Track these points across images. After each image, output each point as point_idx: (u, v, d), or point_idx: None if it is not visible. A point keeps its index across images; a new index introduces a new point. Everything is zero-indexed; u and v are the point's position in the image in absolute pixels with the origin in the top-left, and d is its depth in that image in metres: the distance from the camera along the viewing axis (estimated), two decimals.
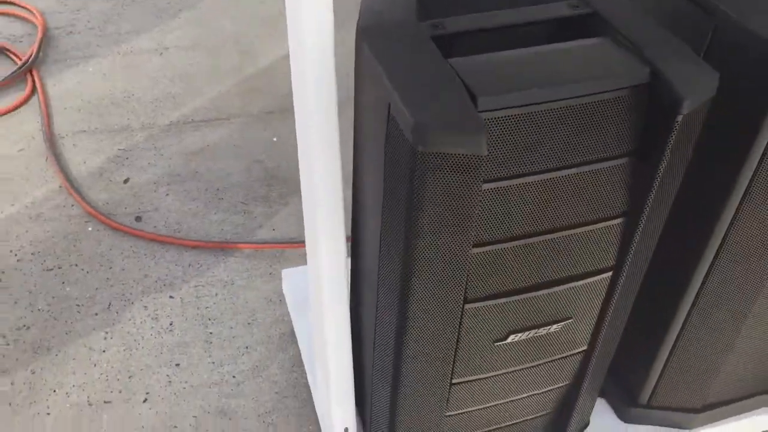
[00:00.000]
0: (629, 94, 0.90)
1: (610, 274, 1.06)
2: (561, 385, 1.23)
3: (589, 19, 0.99)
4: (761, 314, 1.23)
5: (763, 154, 1.01)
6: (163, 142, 2.20)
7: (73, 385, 1.60)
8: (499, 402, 1.21)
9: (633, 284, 1.09)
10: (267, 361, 1.65)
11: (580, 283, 1.05)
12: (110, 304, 1.76)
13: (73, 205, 2.00)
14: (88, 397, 1.58)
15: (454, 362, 1.08)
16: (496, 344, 1.08)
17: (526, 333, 1.08)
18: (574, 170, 0.93)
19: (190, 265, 1.85)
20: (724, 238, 1.10)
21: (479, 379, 1.14)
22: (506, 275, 1.00)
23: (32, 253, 1.87)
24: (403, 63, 0.90)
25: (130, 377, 1.62)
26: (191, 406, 1.57)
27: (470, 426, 1.23)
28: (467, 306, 1.01)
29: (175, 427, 1.53)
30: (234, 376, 1.62)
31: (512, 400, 1.21)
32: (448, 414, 1.18)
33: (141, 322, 1.72)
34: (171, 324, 1.72)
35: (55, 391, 1.59)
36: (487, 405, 1.20)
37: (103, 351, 1.66)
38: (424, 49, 0.92)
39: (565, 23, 1.00)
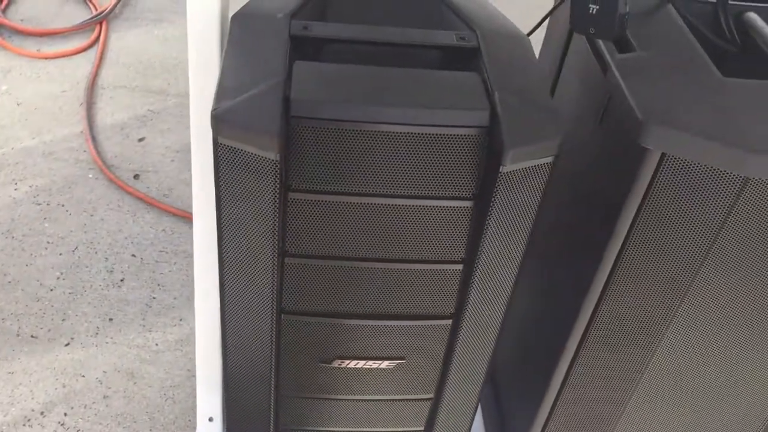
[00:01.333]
0: (463, 134, 0.84)
1: (449, 321, 1.00)
2: (412, 430, 1.17)
3: (470, 54, 0.94)
4: (640, 408, 1.12)
5: (625, 241, 0.92)
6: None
7: (11, 313, 1.67)
8: (343, 430, 1.16)
9: (478, 338, 1.03)
10: (194, 338, 1.66)
11: (412, 324, 1.00)
12: (77, 248, 1.83)
13: (84, 151, 2.09)
14: (19, 327, 1.65)
15: (278, 373, 1.05)
16: (321, 365, 1.04)
17: (354, 362, 1.03)
18: (400, 201, 0.89)
19: (163, 230, 1.89)
20: (588, 327, 1.02)
21: (312, 398, 1.10)
22: (327, 294, 0.96)
23: (30, 186, 1.97)
24: (245, 54, 0.89)
25: (63, 320, 1.67)
26: (105, 360, 1.60)
27: None
28: (284, 317, 0.98)
29: (83, 376, 1.57)
30: (157, 344, 1.65)
31: (359, 431, 1.17)
32: (282, 427, 1.15)
33: (96, 272, 1.78)
34: (122, 280, 1.77)
35: None
36: (329, 429, 1.16)
37: (51, 289, 1.73)
38: (275, 46, 0.90)
39: (451, 53, 0.96)
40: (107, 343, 1.64)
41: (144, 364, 1.61)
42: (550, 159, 0.85)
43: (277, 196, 0.84)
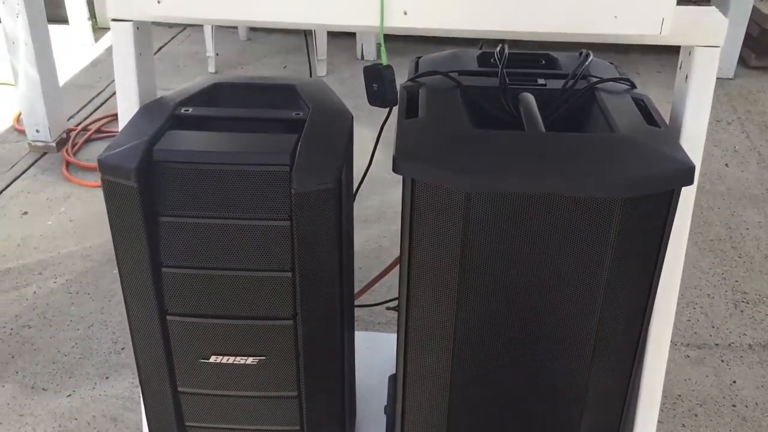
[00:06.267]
0: (272, 170, 1.21)
1: (291, 321, 1.32)
2: (287, 428, 1.45)
3: (300, 123, 1.32)
4: None
5: (410, 246, 1.23)
6: None
7: (30, 372, 2.06)
8: (237, 427, 1.45)
9: (316, 334, 1.33)
10: None
11: (262, 323, 1.32)
12: (92, 325, 2.23)
13: None
14: (34, 382, 2.03)
15: (172, 369, 1.38)
16: (201, 361, 1.36)
17: (225, 358, 1.35)
18: (238, 222, 1.24)
19: None
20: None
21: (203, 394, 1.41)
22: (198, 297, 1.31)
23: (66, 279, 2.42)
24: (140, 123, 1.30)
25: (70, 377, 2.05)
26: (96, 408, 1.95)
27: None
28: (169, 318, 1.33)
29: (76, 419, 1.92)
30: (139, 395, 1.99)
31: (249, 429, 1.46)
32: (188, 424, 1.46)
33: (103, 342, 2.16)
34: (122, 349, 2.14)
35: None
36: (226, 426, 1.45)
37: (65, 355, 2.12)
38: (160, 119, 1.30)
39: (290, 123, 1.34)
40: (100, 395, 2.00)
41: (126, 411, 1.95)
42: (331, 185, 1.20)
43: (142, 217, 1.22)
